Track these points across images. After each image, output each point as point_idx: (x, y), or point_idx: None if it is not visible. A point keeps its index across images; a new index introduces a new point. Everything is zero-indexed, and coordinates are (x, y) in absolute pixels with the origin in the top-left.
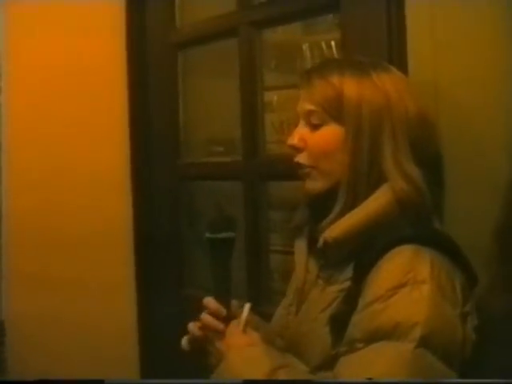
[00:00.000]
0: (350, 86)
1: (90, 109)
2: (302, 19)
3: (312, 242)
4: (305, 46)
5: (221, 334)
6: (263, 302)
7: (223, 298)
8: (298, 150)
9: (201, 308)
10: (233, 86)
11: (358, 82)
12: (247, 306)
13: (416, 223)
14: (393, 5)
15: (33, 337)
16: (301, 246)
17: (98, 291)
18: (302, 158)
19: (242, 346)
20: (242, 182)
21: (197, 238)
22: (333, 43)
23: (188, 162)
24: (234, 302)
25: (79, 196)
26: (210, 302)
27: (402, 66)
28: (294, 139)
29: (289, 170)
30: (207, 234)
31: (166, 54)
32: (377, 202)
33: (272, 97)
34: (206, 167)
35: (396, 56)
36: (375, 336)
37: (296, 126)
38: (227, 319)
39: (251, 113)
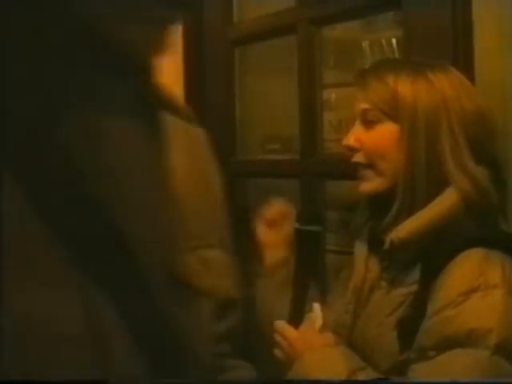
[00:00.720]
0: (405, 85)
1: None
2: (362, 16)
3: (372, 243)
4: (364, 44)
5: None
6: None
7: (301, 295)
8: (353, 150)
9: None
10: (291, 83)
11: (413, 82)
12: (317, 306)
13: (483, 225)
14: (458, 2)
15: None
16: (361, 245)
17: None
18: (358, 158)
19: (319, 346)
20: (299, 181)
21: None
22: (394, 41)
23: (243, 159)
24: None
25: None
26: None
27: (468, 66)
28: (350, 140)
29: (347, 169)
30: (297, 225)
31: (223, 50)
32: (443, 204)
33: (330, 95)
34: (262, 165)
35: (462, 56)
36: (447, 343)
37: (353, 125)
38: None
39: (309, 111)
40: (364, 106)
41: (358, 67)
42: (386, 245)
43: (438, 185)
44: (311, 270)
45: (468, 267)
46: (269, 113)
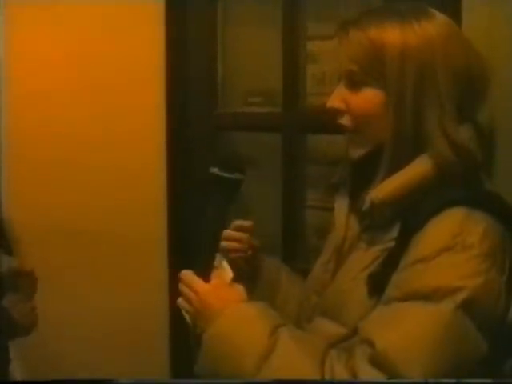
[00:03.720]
0: (391, 42)
1: (125, 58)
2: None
3: (353, 203)
4: None
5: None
6: (298, 257)
7: (211, 240)
8: (339, 112)
9: None
10: (274, 34)
11: (399, 36)
12: (224, 260)
13: (466, 185)
14: None
15: (63, 335)
16: (341, 204)
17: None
18: (345, 121)
19: (236, 303)
20: (281, 134)
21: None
22: None
23: (226, 111)
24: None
25: (115, 148)
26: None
27: (456, 16)
28: (335, 101)
29: (329, 123)
30: (216, 171)
31: (206, 0)
32: (423, 165)
33: (315, 47)
34: (244, 118)
35: (450, 7)
36: (414, 296)
37: (337, 81)
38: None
39: (292, 63)
40: (349, 66)
41: (342, 18)
42: (366, 204)
43: (424, 148)
44: (222, 220)
45: (447, 225)
46: (252, 65)
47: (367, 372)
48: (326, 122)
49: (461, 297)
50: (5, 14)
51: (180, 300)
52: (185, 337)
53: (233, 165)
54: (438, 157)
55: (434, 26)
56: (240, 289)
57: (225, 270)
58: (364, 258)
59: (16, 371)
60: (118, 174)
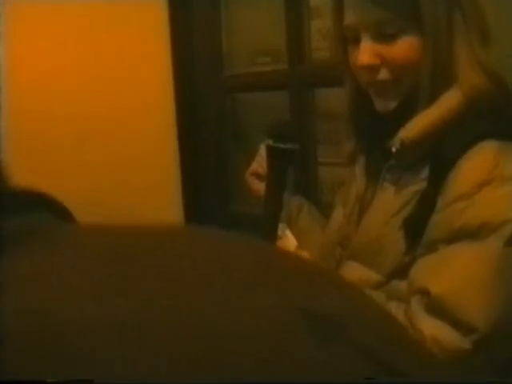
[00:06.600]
0: None
1: (129, 22)
2: None
3: (373, 148)
4: None
5: None
6: None
7: (273, 211)
8: (373, 68)
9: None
10: None
11: None
12: (287, 228)
13: (498, 117)
14: None
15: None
16: (360, 154)
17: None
18: (382, 75)
19: None
20: (289, 91)
21: (242, 152)
22: None
23: (232, 73)
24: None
25: (124, 121)
26: None
27: None
28: (366, 58)
29: (337, 76)
30: (270, 143)
31: None
32: (452, 98)
33: (319, 1)
34: (251, 77)
35: None
36: (459, 235)
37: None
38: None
39: (296, 19)
40: (379, 15)
41: None
42: (396, 145)
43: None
44: (282, 190)
45: (481, 159)
46: (257, 25)
47: (426, 321)
48: (334, 74)
49: (508, 231)
50: (7, 12)
51: None
52: None
53: (286, 135)
54: (468, 85)
55: None
56: (305, 256)
57: (289, 239)
58: (394, 202)
59: None
60: (128, 145)
